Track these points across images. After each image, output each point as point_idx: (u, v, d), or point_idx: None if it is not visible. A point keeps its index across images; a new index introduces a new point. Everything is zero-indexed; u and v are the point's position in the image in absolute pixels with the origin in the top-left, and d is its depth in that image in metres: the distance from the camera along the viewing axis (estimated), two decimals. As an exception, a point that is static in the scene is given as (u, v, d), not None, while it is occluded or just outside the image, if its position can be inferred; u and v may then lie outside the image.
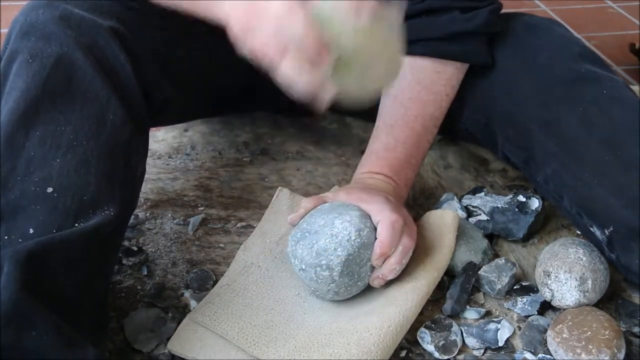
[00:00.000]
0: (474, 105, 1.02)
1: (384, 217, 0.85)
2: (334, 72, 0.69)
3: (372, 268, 0.85)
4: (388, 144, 0.95)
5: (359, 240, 0.83)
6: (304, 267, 0.84)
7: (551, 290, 0.89)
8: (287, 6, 0.67)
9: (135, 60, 0.86)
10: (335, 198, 0.90)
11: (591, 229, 0.91)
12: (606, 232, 0.88)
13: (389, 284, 0.87)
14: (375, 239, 0.84)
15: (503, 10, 1.00)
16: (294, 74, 0.68)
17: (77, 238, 0.75)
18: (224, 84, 1.04)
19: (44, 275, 0.72)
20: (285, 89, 0.70)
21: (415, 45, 0.96)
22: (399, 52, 0.75)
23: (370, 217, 0.85)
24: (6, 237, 0.73)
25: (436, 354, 0.85)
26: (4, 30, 0.85)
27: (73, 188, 0.77)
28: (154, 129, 1.21)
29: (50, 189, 0.76)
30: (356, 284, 0.85)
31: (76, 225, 0.76)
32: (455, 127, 1.06)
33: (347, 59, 0.70)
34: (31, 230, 0.74)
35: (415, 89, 0.96)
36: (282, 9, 0.67)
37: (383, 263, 0.84)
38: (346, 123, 1.28)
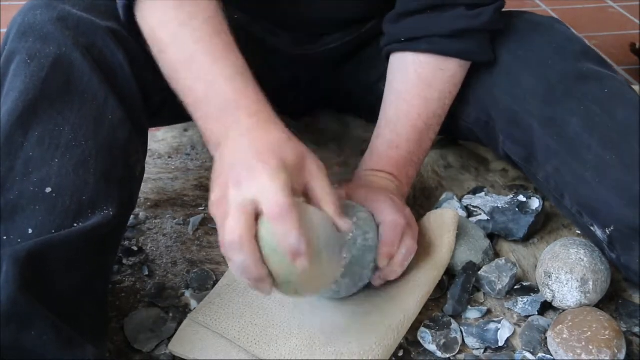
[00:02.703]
0: (475, 103, 1.02)
1: (387, 218, 0.84)
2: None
3: (374, 269, 0.85)
4: (390, 141, 0.95)
5: (364, 244, 0.82)
6: None
7: (552, 291, 0.89)
8: (241, 230, 0.69)
9: (133, 60, 0.86)
10: (339, 195, 0.89)
11: (592, 228, 0.91)
12: (607, 231, 0.88)
13: (389, 282, 0.87)
14: (379, 240, 0.84)
15: (504, 9, 1.00)
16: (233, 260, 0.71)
17: (76, 238, 0.75)
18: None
19: (43, 275, 0.72)
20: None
21: (420, 41, 0.96)
22: (334, 271, 0.78)
23: (374, 219, 0.85)
24: (5, 238, 0.73)
25: (438, 353, 0.85)
26: (4, 30, 0.85)
27: (72, 188, 0.77)
28: (153, 129, 1.21)
29: (49, 189, 0.76)
30: (357, 285, 0.85)
31: (75, 225, 0.76)
32: (457, 124, 1.06)
33: (284, 282, 0.72)
34: (30, 231, 0.74)
35: (419, 87, 0.96)
36: (236, 231, 0.69)
37: (387, 264, 0.84)
38: (346, 122, 1.28)
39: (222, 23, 0.81)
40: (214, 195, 0.73)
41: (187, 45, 0.79)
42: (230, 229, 0.69)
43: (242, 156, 0.72)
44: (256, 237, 0.70)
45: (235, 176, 0.71)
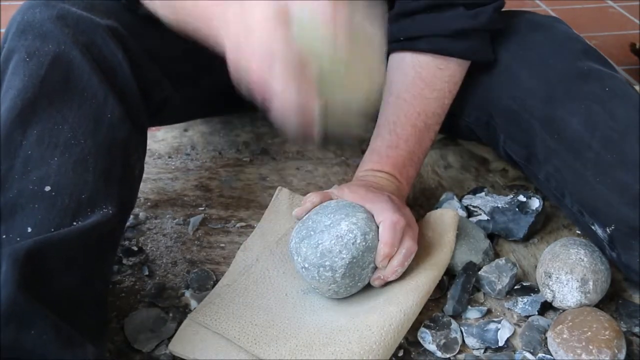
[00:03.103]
0: (475, 102, 1.02)
1: (386, 218, 0.84)
2: (318, 85, 0.71)
3: (373, 269, 0.85)
4: (390, 141, 0.95)
5: (364, 243, 0.83)
6: (306, 265, 0.84)
7: (552, 291, 0.89)
8: (269, 25, 0.68)
9: (133, 59, 0.86)
10: (340, 195, 0.89)
11: (592, 227, 0.91)
12: (607, 230, 0.88)
13: (390, 282, 0.87)
14: (379, 240, 0.84)
15: (505, 9, 1.00)
16: (284, 100, 0.70)
17: (75, 237, 0.75)
18: (224, 83, 1.04)
19: (42, 274, 0.72)
20: (279, 126, 0.72)
21: (419, 41, 0.96)
22: (379, 66, 0.77)
23: (374, 220, 0.85)
24: (4, 237, 0.73)
25: (438, 353, 0.85)
26: (4, 30, 0.85)
27: (71, 187, 0.77)
28: (153, 128, 1.22)
29: (48, 188, 0.76)
30: (356, 285, 0.85)
31: (74, 224, 0.76)
32: (457, 124, 1.06)
33: (327, 70, 0.71)
34: (29, 229, 0.74)
35: (418, 86, 0.96)
36: (265, 30, 0.69)
37: (387, 264, 0.84)
38: (346, 123, 1.28)
39: None
40: (230, 42, 0.71)
41: None
42: (260, 33, 0.69)
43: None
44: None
45: (249, 3, 0.70)
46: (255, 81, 0.71)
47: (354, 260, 0.82)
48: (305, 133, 0.72)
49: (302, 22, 0.69)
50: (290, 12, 0.69)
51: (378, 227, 0.85)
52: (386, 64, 1.00)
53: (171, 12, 0.82)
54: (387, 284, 0.87)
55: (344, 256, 0.82)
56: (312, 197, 0.89)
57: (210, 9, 0.76)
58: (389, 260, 0.84)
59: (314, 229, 0.84)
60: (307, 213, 0.88)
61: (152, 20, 0.87)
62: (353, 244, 0.82)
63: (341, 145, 0.74)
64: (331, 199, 0.89)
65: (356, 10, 0.71)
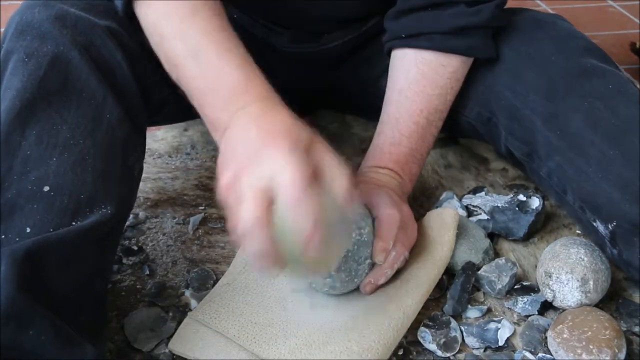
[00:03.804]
0: (477, 99, 1.02)
1: (381, 212, 0.85)
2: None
3: (370, 266, 0.85)
4: (393, 138, 0.96)
5: (359, 238, 0.83)
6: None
7: (552, 291, 0.89)
8: (256, 215, 0.67)
9: (131, 59, 0.86)
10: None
11: (594, 224, 0.91)
12: (609, 226, 0.88)
13: (389, 281, 0.87)
14: (374, 235, 0.84)
15: (506, 7, 0.99)
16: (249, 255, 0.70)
17: (74, 236, 0.75)
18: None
19: (41, 274, 0.72)
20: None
21: (421, 38, 0.96)
22: (341, 251, 0.80)
23: (371, 215, 0.85)
24: (3, 237, 0.73)
25: (438, 352, 0.85)
26: (3, 29, 0.85)
27: (70, 187, 0.77)
28: (153, 128, 1.22)
29: (46, 188, 0.76)
30: (352, 281, 0.85)
31: (73, 223, 0.76)
32: (459, 121, 1.06)
33: (293, 263, 0.72)
34: (28, 229, 0.74)
35: (420, 83, 0.96)
36: (252, 215, 0.67)
37: (384, 259, 0.84)
38: (346, 122, 1.27)
39: (226, 20, 0.81)
40: (225, 179, 0.71)
41: (194, 37, 0.78)
42: (247, 214, 0.67)
43: (253, 138, 0.71)
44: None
45: (248, 158, 0.69)
46: (229, 215, 0.71)
47: (349, 254, 0.83)
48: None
49: (283, 220, 0.69)
50: (275, 201, 0.68)
51: (374, 222, 0.85)
52: (387, 62, 1.01)
53: (175, 76, 0.82)
54: (386, 283, 0.86)
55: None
56: None
57: (217, 112, 0.77)
58: (386, 255, 0.84)
59: None
60: None
61: None
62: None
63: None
64: None
65: (335, 203, 0.72)
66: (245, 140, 0.71)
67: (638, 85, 1.23)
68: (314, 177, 0.70)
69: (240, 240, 0.69)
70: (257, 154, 0.69)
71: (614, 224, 0.87)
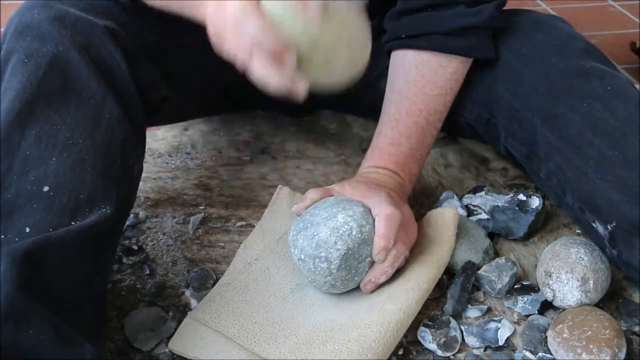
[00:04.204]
0: (477, 100, 1.02)
1: (381, 211, 0.85)
2: (299, 66, 0.72)
3: (370, 265, 0.85)
4: (392, 138, 0.96)
5: (359, 236, 0.83)
6: (303, 257, 0.84)
7: (553, 290, 0.89)
8: (241, 11, 0.70)
9: (131, 59, 0.86)
10: (341, 191, 0.90)
11: (593, 225, 0.91)
12: (609, 227, 0.88)
13: (389, 281, 0.87)
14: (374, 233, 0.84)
15: (505, 8, 1.00)
16: (264, 74, 0.71)
17: (74, 236, 0.75)
18: (222, 82, 1.04)
19: (40, 274, 0.72)
20: (261, 88, 0.73)
21: (421, 39, 0.96)
22: (362, 36, 0.78)
23: (371, 214, 0.86)
24: (2, 236, 0.73)
25: (438, 352, 0.85)
26: (3, 29, 0.85)
27: (69, 187, 0.77)
28: (153, 128, 1.21)
29: (46, 188, 0.76)
30: (353, 279, 0.85)
31: (72, 223, 0.76)
32: (458, 121, 1.06)
33: (306, 53, 0.72)
34: (27, 229, 0.74)
35: (420, 83, 0.96)
36: (238, 14, 0.70)
37: (384, 257, 0.84)
38: (346, 122, 1.28)
39: None
40: (209, 17, 0.73)
41: None
42: (231, 10, 0.69)
43: None
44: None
45: None
46: (237, 63, 0.72)
47: (350, 252, 0.83)
48: (287, 94, 0.74)
49: (274, 8, 0.70)
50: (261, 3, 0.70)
51: (374, 221, 0.85)
52: (387, 62, 1.01)
53: None
54: (386, 282, 0.86)
55: (339, 247, 0.82)
56: (312, 194, 0.90)
57: None
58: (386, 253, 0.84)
59: (311, 221, 0.85)
60: (306, 209, 0.88)
61: (150, 20, 0.87)
62: (349, 235, 0.82)
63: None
64: (331, 195, 0.90)
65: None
66: None
67: (637, 86, 1.23)
68: None
69: (229, 44, 0.71)
70: None
71: (613, 224, 0.87)
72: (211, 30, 0.74)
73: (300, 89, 0.72)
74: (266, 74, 0.71)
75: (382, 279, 0.86)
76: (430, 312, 0.89)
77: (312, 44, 0.72)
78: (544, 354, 0.84)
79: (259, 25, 0.70)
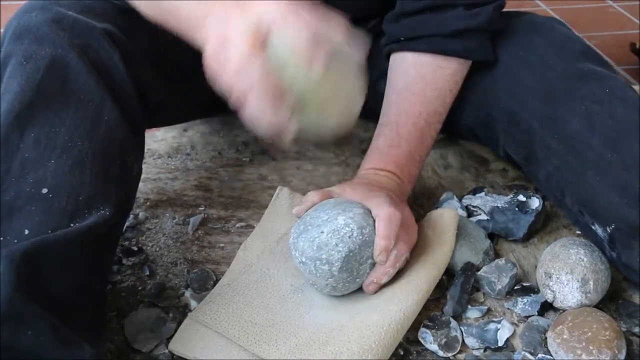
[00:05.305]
0: (475, 102, 1.02)
1: (382, 212, 0.85)
2: (291, 113, 0.72)
3: (371, 266, 0.85)
4: (392, 140, 0.96)
5: (360, 237, 0.83)
6: (304, 259, 0.84)
7: (553, 291, 0.89)
8: (246, 50, 0.68)
9: (129, 61, 0.86)
10: (341, 192, 0.90)
11: (592, 227, 0.91)
12: (608, 230, 0.88)
13: (389, 282, 0.87)
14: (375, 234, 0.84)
15: (505, 10, 1.00)
16: (257, 116, 0.70)
17: (73, 238, 0.75)
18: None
19: (39, 275, 0.72)
20: (249, 127, 0.72)
21: (419, 41, 0.96)
22: (357, 91, 0.78)
23: (371, 215, 0.86)
24: (1, 238, 0.73)
25: (440, 353, 0.85)
26: (3, 31, 0.86)
27: (68, 188, 0.77)
28: (153, 129, 1.21)
29: (45, 190, 0.76)
30: (354, 281, 0.85)
31: (71, 225, 0.76)
32: (457, 124, 1.06)
33: (303, 99, 0.72)
34: (26, 231, 0.74)
35: (419, 85, 0.97)
36: (242, 53, 0.68)
37: (385, 258, 0.84)
38: (346, 123, 1.27)
39: None
40: (210, 47, 0.71)
41: None
42: (235, 50, 0.68)
43: (232, 6, 0.70)
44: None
45: (231, 16, 0.70)
46: (232, 98, 0.71)
47: (351, 254, 0.83)
48: (275, 140, 0.73)
49: (281, 51, 0.69)
50: (269, 34, 0.69)
51: (375, 223, 0.85)
52: (386, 64, 1.01)
53: (152, 9, 0.82)
54: (386, 283, 0.86)
55: (341, 249, 0.82)
56: (312, 196, 0.90)
57: (193, 11, 0.76)
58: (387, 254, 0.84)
59: (311, 224, 0.85)
60: (306, 211, 0.88)
61: (147, 23, 0.87)
62: (350, 237, 0.82)
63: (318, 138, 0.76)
64: (331, 197, 0.90)
65: (336, 35, 0.72)
66: (226, 8, 0.71)
67: (636, 88, 1.23)
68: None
69: (232, 84, 0.69)
70: (240, 8, 0.69)
71: (613, 227, 0.87)
72: (209, 64, 0.72)
73: (289, 135, 0.72)
74: (259, 116, 0.70)
75: (385, 279, 0.86)
76: (430, 312, 0.89)
77: (308, 94, 0.71)
78: (543, 355, 0.84)
79: (262, 73, 0.69)
